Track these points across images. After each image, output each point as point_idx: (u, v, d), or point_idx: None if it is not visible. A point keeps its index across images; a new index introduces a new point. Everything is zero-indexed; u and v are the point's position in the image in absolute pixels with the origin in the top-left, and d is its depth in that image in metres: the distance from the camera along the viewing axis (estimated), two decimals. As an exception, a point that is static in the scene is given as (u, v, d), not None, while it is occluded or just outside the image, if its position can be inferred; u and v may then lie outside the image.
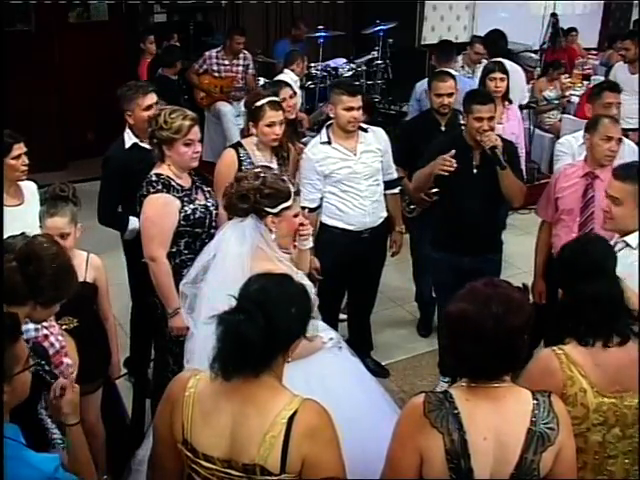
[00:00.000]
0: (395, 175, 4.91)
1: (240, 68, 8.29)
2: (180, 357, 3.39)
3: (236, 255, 3.07)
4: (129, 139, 4.32)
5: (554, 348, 2.64)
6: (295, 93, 5.28)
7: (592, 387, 2.54)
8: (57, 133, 8.65)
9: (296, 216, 3.25)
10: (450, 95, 5.24)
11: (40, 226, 3.45)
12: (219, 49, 8.26)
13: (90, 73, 8.60)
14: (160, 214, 3.68)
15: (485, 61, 7.89)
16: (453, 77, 5.41)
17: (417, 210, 5.38)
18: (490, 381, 2.26)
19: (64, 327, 3.40)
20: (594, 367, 2.56)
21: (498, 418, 2.24)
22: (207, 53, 8.26)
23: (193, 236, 3.77)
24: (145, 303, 3.97)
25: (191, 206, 3.75)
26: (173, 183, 3.73)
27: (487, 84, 5.76)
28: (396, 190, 4.97)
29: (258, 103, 4.34)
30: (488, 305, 2.18)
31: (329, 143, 4.55)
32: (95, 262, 3.62)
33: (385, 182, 4.78)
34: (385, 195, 4.80)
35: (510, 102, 5.97)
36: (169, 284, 3.70)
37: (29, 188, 3.99)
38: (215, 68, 8.20)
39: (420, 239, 5.42)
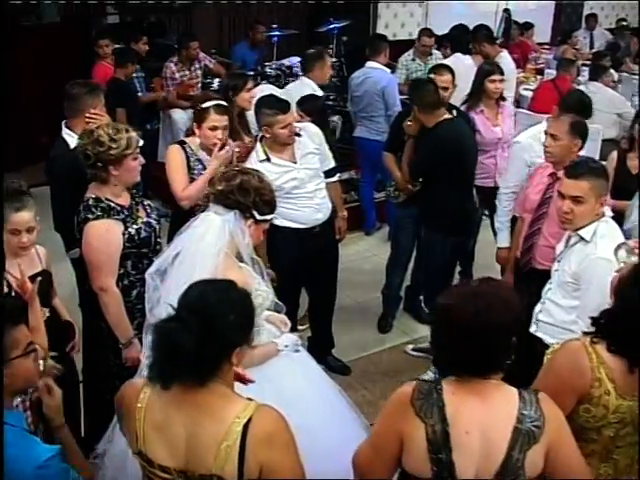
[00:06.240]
0: (333, 164, 4.92)
1: (199, 72, 8.18)
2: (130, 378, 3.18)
3: (208, 248, 2.97)
4: (72, 140, 4.09)
5: (585, 343, 2.52)
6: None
7: (616, 390, 2.48)
8: (8, 137, 8.47)
9: (264, 232, 3.24)
10: (445, 89, 5.29)
11: None
12: (175, 59, 8.01)
13: (43, 76, 8.43)
14: (104, 242, 3.52)
15: (436, 52, 8.35)
16: (451, 71, 5.48)
17: (402, 196, 5.39)
18: (474, 377, 2.26)
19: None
20: (621, 371, 2.47)
21: (484, 414, 2.23)
22: (166, 70, 7.95)
23: (139, 256, 3.63)
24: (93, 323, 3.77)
25: (134, 226, 3.60)
26: (113, 204, 3.57)
27: (486, 86, 5.66)
28: (335, 178, 4.99)
29: (204, 105, 4.32)
30: (471, 301, 2.19)
31: (268, 160, 4.47)
32: (41, 250, 3.58)
33: (324, 172, 4.77)
34: (326, 184, 4.79)
35: (504, 100, 5.90)
36: (121, 314, 3.59)
37: None
38: (179, 81, 8.02)
39: (402, 227, 5.50)
